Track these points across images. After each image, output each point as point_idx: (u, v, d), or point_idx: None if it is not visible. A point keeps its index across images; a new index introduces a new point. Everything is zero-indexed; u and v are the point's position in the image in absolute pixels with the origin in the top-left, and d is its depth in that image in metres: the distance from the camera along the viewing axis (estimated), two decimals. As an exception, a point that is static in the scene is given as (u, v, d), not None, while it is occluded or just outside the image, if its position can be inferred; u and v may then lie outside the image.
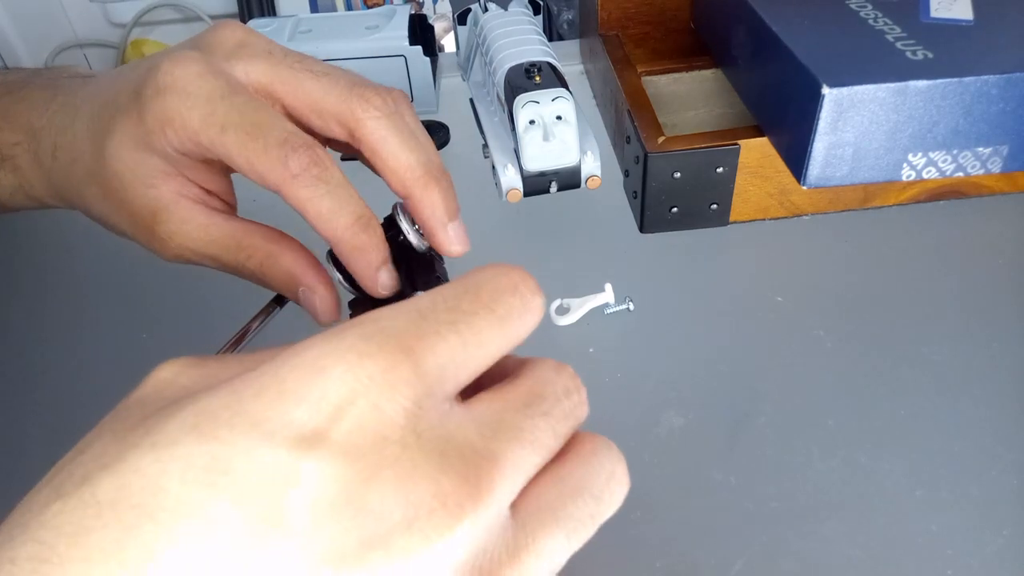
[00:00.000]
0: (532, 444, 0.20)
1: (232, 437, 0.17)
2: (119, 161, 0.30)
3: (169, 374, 0.20)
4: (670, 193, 0.48)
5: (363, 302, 0.30)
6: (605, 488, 0.21)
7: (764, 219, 0.51)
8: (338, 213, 0.27)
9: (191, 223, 0.31)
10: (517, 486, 0.19)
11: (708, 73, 0.56)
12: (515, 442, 0.19)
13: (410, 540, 0.17)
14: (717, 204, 0.49)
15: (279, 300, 0.32)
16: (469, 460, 0.18)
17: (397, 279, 0.29)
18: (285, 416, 0.17)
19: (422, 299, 0.20)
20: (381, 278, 0.28)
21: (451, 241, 0.30)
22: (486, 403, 0.20)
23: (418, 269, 0.29)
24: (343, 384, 0.17)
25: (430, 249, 0.30)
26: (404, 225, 0.30)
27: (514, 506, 0.19)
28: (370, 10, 0.65)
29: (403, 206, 0.30)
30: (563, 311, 0.46)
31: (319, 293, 0.30)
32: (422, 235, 0.30)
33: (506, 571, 0.18)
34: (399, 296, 0.29)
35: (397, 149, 0.29)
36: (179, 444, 0.17)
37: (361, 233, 0.28)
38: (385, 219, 0.30)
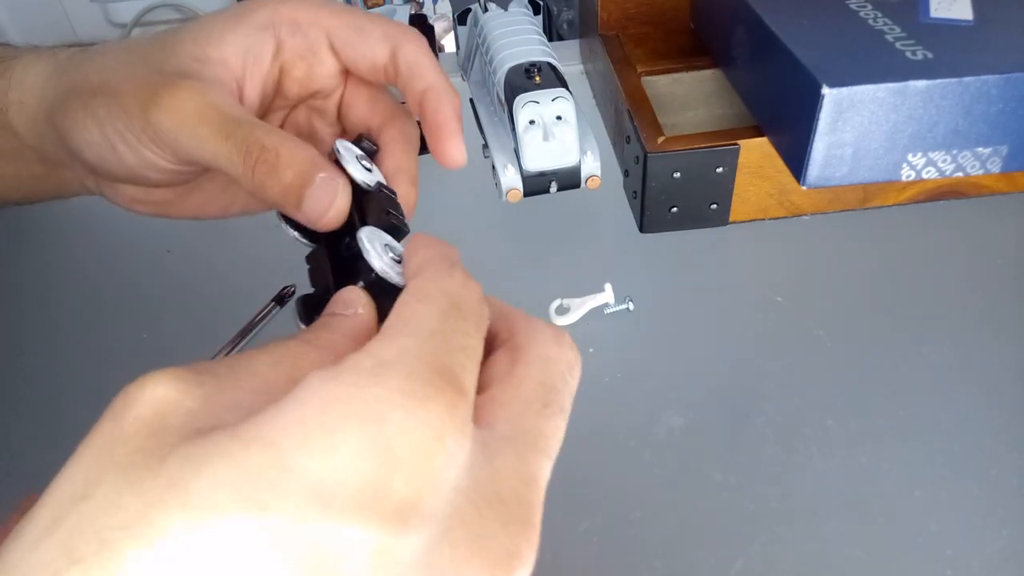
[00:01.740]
0: (556, 449, 0.20)
1: (284, 506, 0.15)
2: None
3: (168, 393, 0.17)
4: (670, 193, 0.48)
5: (318, 256, 0.28)
6: (562, 382, 0.21)
7: (764, 219, 0.51)
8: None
9: (209, 96, 0.28)
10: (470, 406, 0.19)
11: (708, 73, 0.56)
12: (545, 458, 0.19)
13: None
14: (717, 204, 0.49)
15: (279, 300, 0.32)
16: (520, 505, 0.17)
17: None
18: (345, 480, 0.15)
19: (420, 313, 0.19)
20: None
21: (460, 149, 0.31)
22: (504, 412, 0.19)
23: (368, 208, 0.28)
24: (413, 435, 0.16)
25: (380, 186, 0.29)
26: (349, 166, 0.29)
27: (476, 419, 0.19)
28: (370, 10, 0.65)
29: (343, 143, 0.30)
30: (563, 311, 0.46)
31: (342, 180, 0.27)
32: (369, 171, 0.29)
33: (513, 511, 0.18)
34: (348, 231, 0.27)
35: (431, 66, 0.31)
36: (219, 510, 0.14)
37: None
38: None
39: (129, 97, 0.28)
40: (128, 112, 0.28)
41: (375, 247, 0.24)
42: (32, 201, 0.37)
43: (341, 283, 0.24)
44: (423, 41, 0.32)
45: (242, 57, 0.30)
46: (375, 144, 0.32)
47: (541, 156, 0.43)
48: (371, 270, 0.23)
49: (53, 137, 0.31)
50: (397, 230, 0.27)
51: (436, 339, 0.18)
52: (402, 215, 0.28)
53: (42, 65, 0.32)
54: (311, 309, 0.25)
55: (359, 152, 0.30)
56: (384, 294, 0.23)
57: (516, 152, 0.44)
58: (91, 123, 0.29)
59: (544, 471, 0.19)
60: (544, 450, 0.19)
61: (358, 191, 0.28)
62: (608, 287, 0.46)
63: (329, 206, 0.27)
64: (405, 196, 0.30)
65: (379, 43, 0.31)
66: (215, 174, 0.33)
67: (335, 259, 0.26)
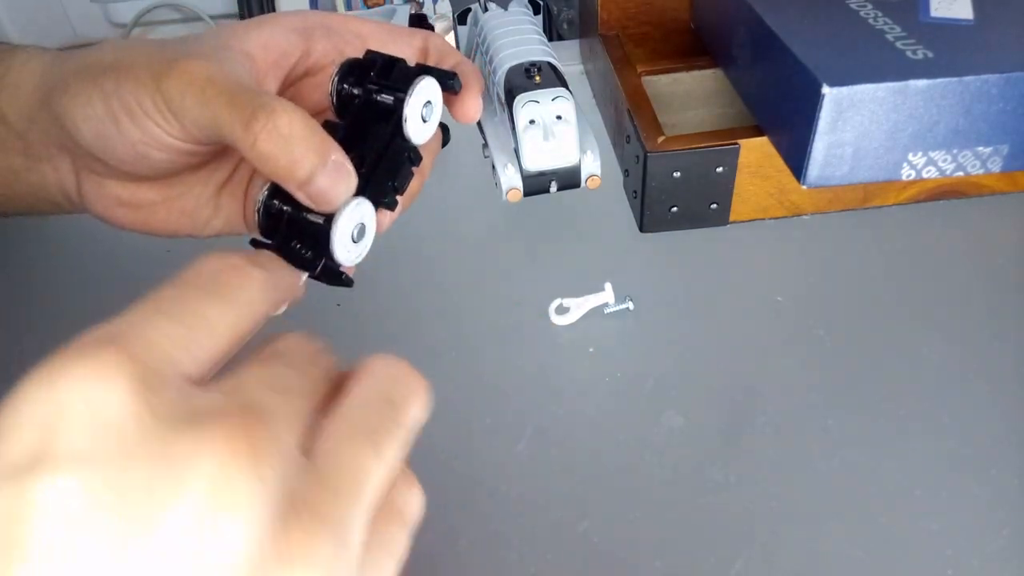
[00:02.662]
0: (284, 390, 0.19)
1: None
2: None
3: None
4: (670, 193, 0.48)
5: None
6: (393, 390, 0.21)
7: (764, 219, 0.51)
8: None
9: (224, 66, 0.28)
10: (293, 429, 0.19)
11: (708, 73, 0.56)
12: (267, 392, 0.19)
13: (196, 509, 0.16)
14: (717, 204, 0.49)
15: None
16: (227, 419, 0.17)
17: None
18: None
19: (134, 305, 0.19)
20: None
21: (479, 106, 0.33)
22: (228, 376, 0.19)
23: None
24: (49, 400, 0.16)
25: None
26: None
27: (308, 449, 0.19)
28: (370, 10, 0.65)
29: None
30: (563, 311, 0.46)
31: (351, 167, 0.26)
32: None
33: (321, 503, 0.18)
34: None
35: (458, 53, 0.35)
36: None
37: None
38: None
39: (142, 69, 0.28)
40: (139, 81, 0.28)
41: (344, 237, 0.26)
42: (6, 210, 0.35)
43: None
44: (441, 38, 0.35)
45: (265, 52, 0.30)
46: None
47: (541, 156, 0.43)
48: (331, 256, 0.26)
49: (46, 122, 0.30)
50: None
51: (122, 317, 0.18)
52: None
53: (48, 56, 0.32)
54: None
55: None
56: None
57: (516, 152, 0.44)
58: (96, 97, 0.28)
59: (266, 401, 0.18)
60: (265, 390, 0.19)
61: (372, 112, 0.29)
62: (608, 287, 0.46)
63: (341, 191, 0.26)
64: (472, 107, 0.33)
65: (411, 38, 0.33)
66: (207, 177, 0.33)
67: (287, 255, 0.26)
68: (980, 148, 0.40)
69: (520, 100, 0.42)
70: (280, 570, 0.16)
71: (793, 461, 0.38)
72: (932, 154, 0.41)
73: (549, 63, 0.44)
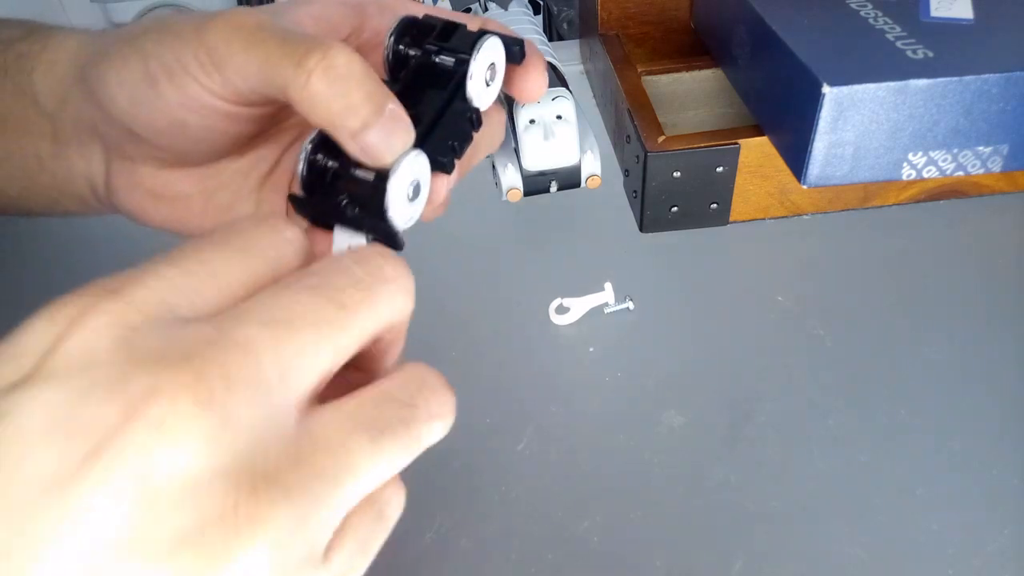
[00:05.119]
0: (299, 321, 0.18)
1: None
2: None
3: None
4: (670, 193, 0.48)
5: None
6: (417, 395, 0.20)
7: (764, 219, 0.51)
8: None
9: (274, 17, 0.26)
10: (296, 374, 0.17)
11: (708, 73, 0.56)
12: (270, 323, 0.17)
13: (129, 441, 0.15)
14: (717, 204, 0.49)
15: None
16: (202, 351, 0.16)
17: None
18: None
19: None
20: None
21: (542, 84, 0.30)
22: (238, 305, 0.18)
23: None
24: (45, 331, 0.17)
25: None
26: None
27: (308, 412, 0.18)
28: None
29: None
30: (563, 311, 0.46)
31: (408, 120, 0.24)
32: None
33: (292, 477, 0.17)
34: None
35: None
36: None
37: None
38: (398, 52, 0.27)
39: (186, 25, 0.26)
40: (181, 37, 0.26)
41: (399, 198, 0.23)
42: (27, 207, 0.34)
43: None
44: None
45: (316, 24, 0.28)
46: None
47: (541, 155, 0.43)
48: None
49: (79, 100, 0.29)
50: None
51: (136, 268, 0.18)
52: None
53: (88, 34, 0.31)
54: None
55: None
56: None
57: (516, 151, 0.44)
58: (135, 58, 0.26)
59: (265, 333, 0.17)
60: (270, 318, 0.18)
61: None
62: (608, 286, 0.46)
63: (397, 144, 0.24)
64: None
65: (470, 21, 0.29)
66: (248, 169, 0.31)
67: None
68: (980, 148, 0.40)
69: (520, 100, 0.42)
70: (223, 531, 0.16)
71: (793, 461, 0.38)
72: (932, 154, 0.41)
73: (549, 63, 0.44)
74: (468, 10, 0.53)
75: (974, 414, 0.39)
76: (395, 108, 0.23)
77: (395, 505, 0.20)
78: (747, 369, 0.43)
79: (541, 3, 0.53)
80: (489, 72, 0.27)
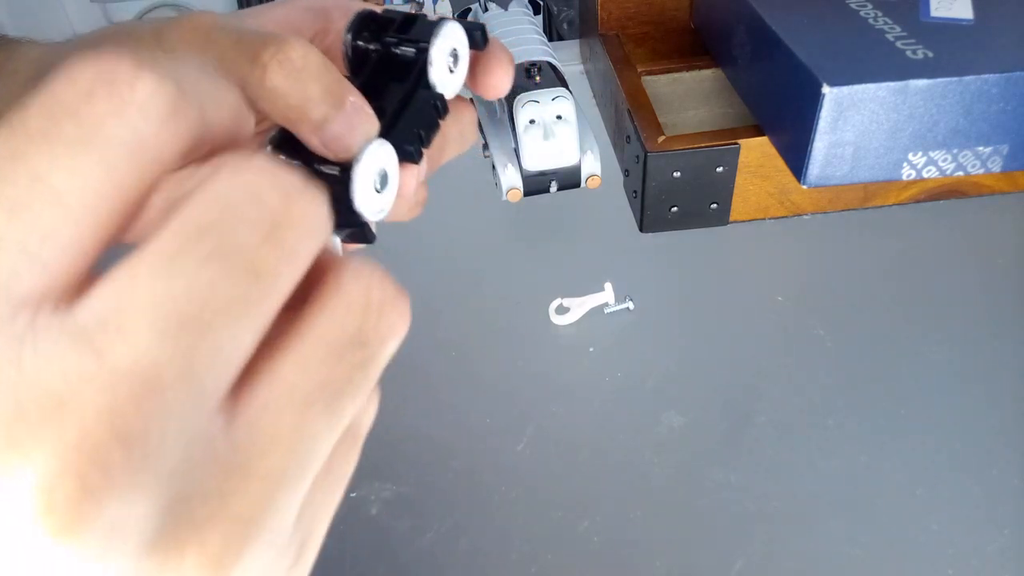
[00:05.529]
0: (207, 312, 0.12)
1: None
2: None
3: None
4: (670, 193, 0.48)
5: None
6: (366, 323, 0.15)
7: (764, 219, 0.51)
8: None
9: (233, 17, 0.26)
10: (211, 382, 0.13)
11: (708, 73, 0.56)
12: (167, 329, 0.12)
13: None
14: (717, 204, 0.49)
15: None
16: (79, 398, 0.11)
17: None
18: None
19: None
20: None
21: (506, 80, 0.28)
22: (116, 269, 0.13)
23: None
24: None
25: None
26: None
27: (234, 409, 0.14)
28: (370, 10, 0.64)
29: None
30: (563, 311, 0.46)
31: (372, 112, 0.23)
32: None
33: (228, 498, 0.13)
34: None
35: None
36: None
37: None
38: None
39: (145, 30, 0.25)
40: (141, 41, 0.25)
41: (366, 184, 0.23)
42: None
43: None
44: None
45: (278, 25, 0.28)
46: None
47: (541, 155, 0.43)
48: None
49: None
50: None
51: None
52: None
53: (54, 44, 0.31)
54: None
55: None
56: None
57: (516, 151, 0.44)
58: None
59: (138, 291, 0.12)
60: (146, 269, 0.13)
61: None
62: (608, 286, 0.46)
63: (359, 136, 0.23)
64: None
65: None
66: None
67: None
68: (980, 148, 0.40)
69: (520, 100, 0.42)
70: None
71: (793, 461, 0.38)
72: (932, 154, 0.41)
73: (549, 63, 0.44)
74: (467, 10, 0.53)
75: (974, 414, 0.39)
76: (356, 100, 0.23)
77: (370, 414, 0.17)
78: (747, 369, 0.43)
79: (541, 3, 0.53)
80: (452, 59, 0.26)
